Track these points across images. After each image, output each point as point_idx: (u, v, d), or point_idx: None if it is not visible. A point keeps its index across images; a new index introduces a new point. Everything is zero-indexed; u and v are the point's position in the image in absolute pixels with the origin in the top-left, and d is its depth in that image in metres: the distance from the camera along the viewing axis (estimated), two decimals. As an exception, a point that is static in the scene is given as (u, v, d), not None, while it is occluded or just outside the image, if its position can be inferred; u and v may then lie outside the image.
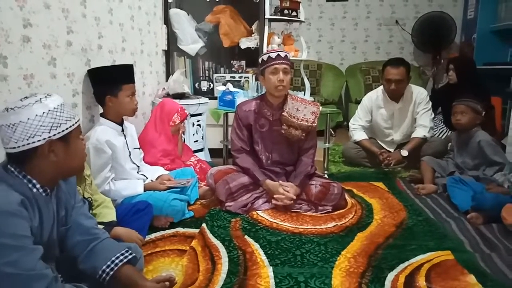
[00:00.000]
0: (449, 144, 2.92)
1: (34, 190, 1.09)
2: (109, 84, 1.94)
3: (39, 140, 1.06)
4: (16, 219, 0.99)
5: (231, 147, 2.36)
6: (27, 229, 1.01)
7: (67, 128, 1.11)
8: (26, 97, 1.10)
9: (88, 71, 1.97)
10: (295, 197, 2.13)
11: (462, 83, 3.27)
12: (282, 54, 2.17)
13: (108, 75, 1.96)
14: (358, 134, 3.17)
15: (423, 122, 3.01)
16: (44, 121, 1.06)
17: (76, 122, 1.15)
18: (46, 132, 1.06)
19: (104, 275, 1.18)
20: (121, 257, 1.21)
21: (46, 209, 1.12)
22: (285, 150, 2.30)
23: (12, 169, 1.07)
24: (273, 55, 2.16)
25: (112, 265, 1.18)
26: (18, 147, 1.05)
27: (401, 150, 2.94)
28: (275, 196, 2.13)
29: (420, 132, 2.99)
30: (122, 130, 2.04)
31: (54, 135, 1.08)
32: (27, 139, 1.05)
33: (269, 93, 2.24)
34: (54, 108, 1.09)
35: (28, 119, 1.05)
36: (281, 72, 2.13)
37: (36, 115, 1.06)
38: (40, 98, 1.09)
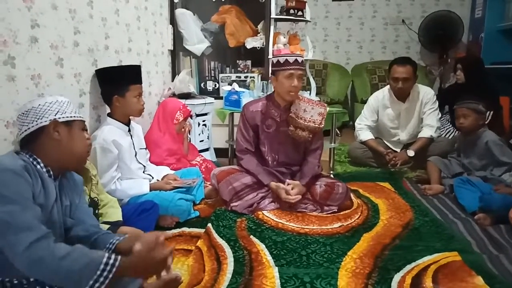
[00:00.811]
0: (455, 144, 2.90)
1: (38, 166, 1.17)
2: (116, 84, 1.95)
3: (46, 121, 1.19)
4: (21, 179, 1.05)
5: (236, 148, 2.35)
6: (29, 192, 1.06)
7: (71, 116, 1.25)
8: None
9: (96, 71, 1.98)
10: (299, 197, 2.12)
11: (470, 83, 3.24)
12: (300, 59, 2.13)
13: (116, 75, 1.97)
14: (364, 134, 3.15)
15: (430, 122, 2.99)
16: (52, 107, 1.22)
17: (80, 117, 1.29)
18: (53, 114, 1.21)
19: None
20: (119, 237, 1.23)
21: (49, 185, 1.17)
22: (291, 150, 2.29)
23: (21, 152, 1.19)
24: (291, 59, 2.11)
25: (110, 245, 1.20)
26: (29, 128, 1.19)
27: (408, 150, 2.92)
28: (283, 199, 2.12)
29: (427, 132, 2.97)
30: (129, 130, 2.05)
31: (59, 118, 1.22)
32: (37, 120, 1.19)
33: (278, 94, 2.22)
34: (62, 101, 1.26)
35: (39, 105, 1.21)
36: (295, 78, 2.10)
37: (46, 102, 1.23)
38: (52, 95, 1.28)
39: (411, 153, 2.89)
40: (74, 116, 1.26)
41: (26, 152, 1.18)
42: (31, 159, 1.17)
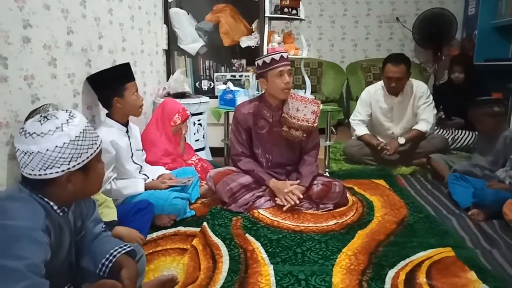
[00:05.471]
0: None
1: (53, 212, 1.05)
2: (113, 86, 1.95)
3: (57, 172, 1.00)
4: (37, 247, 0.94)
5: (231, 151, 2.33)
6: (43, 260, 0.95)
7: (87, 157, 1.04)
8: (46, 118, 1.01)
9: (87, 79, 1.97)
10: (301, 197, 2.12)
11: (466, 81, 3.30)
12: (285, 55, 2.11)
13: (110, 78, 1.96)
14: (359, 129, 3.16)
15: (427, 118, 2.99)
16: (64, 153, 0.99)
17: (97, 148, 1.09)
18: (66, 164, 1.00)
19: (104, 268, 1.17)
20: (119, 249, 1.19)
21: (66, 227, 1.11)
22: (285, 151, 2.28)
23: (32, 192, 1.03)
24: (277, 56, 2.08)
25: (111, 257, 1.17)
26: (34, 175, 0.99)
27: (399, 138, 2.98)
28: (285, 198, 2.10)
29: (422, 126, 2.99)
30: (127, 131, 2.05)
31: (74, 166, 1.02)
32: (44, 170, 0.99)
33: (269, 94, 2.19)
34: (76, 137, 1.01)
35: (47, 150, 0.97)
36: (286, 74, 2.08)
37: (56, 146, 0.98)
38: (62, 124, 1.00)
39: (401, 140, 2.95)
40: (91, 155, 1.05)
41: (36, 193, 1.02)
42: (44, 202, 1.02)
